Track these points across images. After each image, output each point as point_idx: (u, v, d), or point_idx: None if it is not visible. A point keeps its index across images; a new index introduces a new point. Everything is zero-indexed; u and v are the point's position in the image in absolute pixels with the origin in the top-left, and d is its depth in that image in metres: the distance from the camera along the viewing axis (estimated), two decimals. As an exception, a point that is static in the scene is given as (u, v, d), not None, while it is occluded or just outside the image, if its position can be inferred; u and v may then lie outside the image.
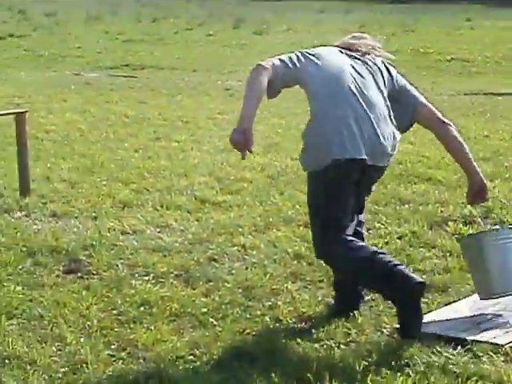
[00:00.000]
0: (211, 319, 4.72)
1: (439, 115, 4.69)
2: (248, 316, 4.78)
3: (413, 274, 4.44)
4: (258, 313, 4.83)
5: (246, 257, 5.86)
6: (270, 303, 4.99)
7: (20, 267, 5.60)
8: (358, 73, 4.55)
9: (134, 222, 6.67)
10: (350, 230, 4.52)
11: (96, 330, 4.54)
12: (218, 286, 5.22)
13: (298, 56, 4.59)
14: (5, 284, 5.28)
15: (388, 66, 4.77)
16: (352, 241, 4.46)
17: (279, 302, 4.99)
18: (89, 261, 5.74)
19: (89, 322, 4.65)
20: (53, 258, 5.79)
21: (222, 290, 5.15)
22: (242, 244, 6.11)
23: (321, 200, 4.49)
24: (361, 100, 4.43)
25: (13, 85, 16.79)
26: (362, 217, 4.78)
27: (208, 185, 7.99)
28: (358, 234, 4.65)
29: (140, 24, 38.44)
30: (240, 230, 6.46)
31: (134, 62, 22.24)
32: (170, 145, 10.10)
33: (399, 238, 6.29)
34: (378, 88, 4.56)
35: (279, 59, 4.54)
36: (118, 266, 5.64)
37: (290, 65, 4.53)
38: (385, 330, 4.56)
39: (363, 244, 4.60)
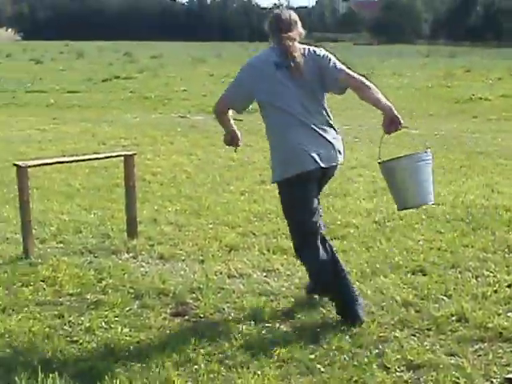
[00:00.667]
0: (318, 366, 4.75)
1: (358, 79, 5.31)
2: (355, 363, 4.79)
3: (360, 312, 5.43)
4: (366, 360, 4.84)
5: (353, 303, 5.86)
6: (377, 351, 4.99)
7: (127, 309, 5.75)
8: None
9: (240, 266, 6.77)
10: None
11: (203, 374, 4.63)
12: (325, 332, 5.25)
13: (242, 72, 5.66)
14: (112, 326, 5.43)
15: (315, 50, 5.44)
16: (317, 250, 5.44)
17: (387, 350, 4.99)
18: (196, 304, 5.86)
19: (196, 366, 4.74)
20: (160, 301, 5.93)
21: (329, 337, 5.17)
22: (349, 290, 6.11)
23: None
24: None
25: (119, 126, 17.27)
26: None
27: (314, 229, 8.02)
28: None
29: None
30: (347, 275, 6.47)
31: (239, 105, 22.54)
32: (275, 188, 10.16)
33: (508, 286, 6.21)
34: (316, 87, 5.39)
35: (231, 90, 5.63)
36: (224, 309, 5.73)
37: None
38: (494, 380, 4.50)
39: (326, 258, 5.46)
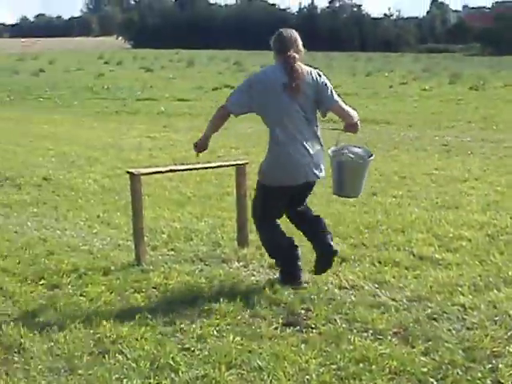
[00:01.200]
0: (431, 379, 4.74)
1: (346, 110, 6.35)
2: (468, 378, 4.76)
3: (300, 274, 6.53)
4: (479, 375, 4.80)
5: (465, 317, 5.81)
6: (491, 365, 4.94)
7: (239, 318, 5.84)
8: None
9: (351, 277, 6.78)
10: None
11: (315, 384, 4.68)
12: (438, 346, 5.22)
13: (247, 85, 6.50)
14: (224, 334, 5.52)
15: (315, 72, 6.29)
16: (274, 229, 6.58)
17: (500, 365, 4.93)
18: (307, 314, 5.91)
19: (308, 376, 4.79)
20: (271, 310, 5.99)
21: (442, 350, 5.14)
22: (462, 303, 6.06)
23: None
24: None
25: (230, 136, 17.46)
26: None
27: (426, 241, 7.97)
28: (306, 213, 6.69)
29: (354, 78, 38.99)
30: (459, 289, 6.41)
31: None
32: (386, 200, 10.14)
33: None
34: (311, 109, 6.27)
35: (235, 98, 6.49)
36: (336, 320, 5.76)
37: None
38: None
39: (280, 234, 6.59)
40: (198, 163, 7.94)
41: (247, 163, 8.10)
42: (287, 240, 6.65)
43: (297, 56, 6.15)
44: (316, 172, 6.36)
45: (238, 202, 7.90)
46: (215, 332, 5.55)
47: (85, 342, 5.37)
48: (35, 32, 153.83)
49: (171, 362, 5.03)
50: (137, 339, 5.40)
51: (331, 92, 6.24)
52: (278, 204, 6.53)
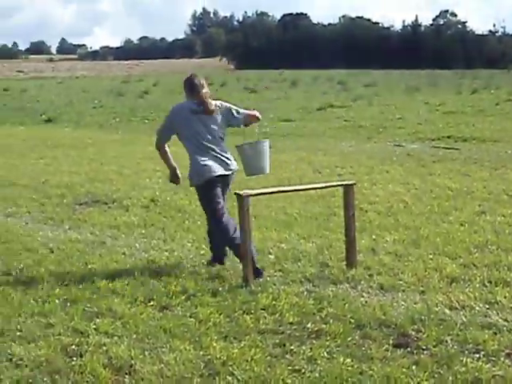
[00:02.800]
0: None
1: (250, 113, 8.29)
2: None
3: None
4: None
5: None
6: None
7: (349, 339, 5.83)
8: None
9: (462, 298, 6.69)
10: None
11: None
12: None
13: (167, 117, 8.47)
14: (334, 356, 5.52)
15: (222, 103, 8.21)
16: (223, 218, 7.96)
17: None
18: (418, 335, 5.85)
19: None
20: (381, 331, 5.96)
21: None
22: None
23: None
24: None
25: (334, 155, 17.50)
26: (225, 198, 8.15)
27: (538, 261, 7.83)
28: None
29: (460, 95, 38.47)
30: None
31: (456, 133, 22.22)
32: (495, 219, 9.98)
33: None
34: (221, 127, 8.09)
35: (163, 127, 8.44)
36: (447, 341, 5.69)
37: None
38: None
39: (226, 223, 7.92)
40: (302, 184, 7.96)
41: (355, 183, 8.08)
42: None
43: (206, 93, 8.08)
44: (229, 167, 8.09)
45: (347, 222, 7.89)
46: (325, 354, 5.55)
47: (195, 363, 5.44)
48: (139, 54, 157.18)
49: (282, 385, 5.05)
50: (247, 361, 5.44)
51: (236, 111, 8.22)
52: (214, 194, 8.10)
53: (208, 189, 7.97)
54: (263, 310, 6.59)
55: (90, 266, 8.09)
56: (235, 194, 7.52)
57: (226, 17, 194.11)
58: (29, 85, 63.04)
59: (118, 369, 5.39)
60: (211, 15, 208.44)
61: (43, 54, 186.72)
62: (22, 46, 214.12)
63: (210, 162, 7.94)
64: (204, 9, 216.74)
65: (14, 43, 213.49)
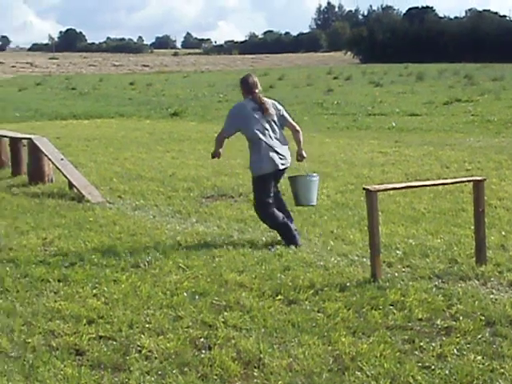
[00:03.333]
0: None
1: (296, 125, 9.26)
2: None
3: (296, 237, 8.87)
4: None
5: None
6: None
7: (479, 336, 5.74)
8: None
9: None
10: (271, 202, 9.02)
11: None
12: None
13: (232, 113, 9.48)
14: (464, 353, 5.45)
15: (275, 102, 9.22)
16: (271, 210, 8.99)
17: None
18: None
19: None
20: (513, 329, 5.86)
21: None
22: None
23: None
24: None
25: (462, 150, 17.20)
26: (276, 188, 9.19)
27: None
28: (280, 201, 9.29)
29: None
30: None
31: None
32: None
33: None
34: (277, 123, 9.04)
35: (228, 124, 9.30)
36: None
37: None
38: None
39: (276, 212, 8.99)
40: (429, 179, 7.87)
41: (485, 179, 7.93)
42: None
43: (259, 92, 9.12)
44: (285, 162, 9.08)
45: (476, 218, 7.75)
46: (455, 351, 5.49)
47: (323, 358, 5.46)
48: (263, 48, 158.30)
49: (411, 381, 5.02)
50: (376, 356, 5.42)
51: (285, 113, 9.23)
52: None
53: (264, 181, 8.99)
54: (391, 305, 6.55)
55: (217, 259, 8.21)
56: (364, 188, 7.50)
57: (350, 11, 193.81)
58: (154, 79, 64.49)
59: (247, 362, 5.45)
60: (336, 9, 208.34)
61: (168, 49, 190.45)
62: (148, 41, 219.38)
63: (268, 158, 8.89)
64: (329, 3, 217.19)
65: (140, 38, 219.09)
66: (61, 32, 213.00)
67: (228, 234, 9.44)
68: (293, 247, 8.66)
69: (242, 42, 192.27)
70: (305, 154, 9.32)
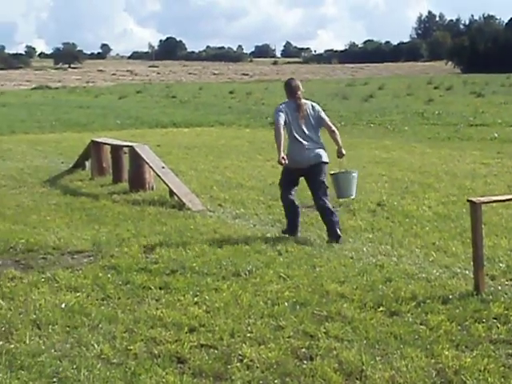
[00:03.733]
0: None
1: (332, 126, 10.11)
2: None
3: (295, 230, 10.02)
4: None
5: None
6: None
7: None
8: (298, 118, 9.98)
9: None
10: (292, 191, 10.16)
11: None
12: None
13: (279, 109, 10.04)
14: None
15: (314, 105, 10.20)
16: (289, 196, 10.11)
17: None
18: None
19: None
20: None
21: None
22: None
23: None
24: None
25: None
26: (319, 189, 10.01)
27: None
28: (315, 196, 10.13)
29: None
30: None
31: None
32: None
33: None
34: (312, 124, 10.01)
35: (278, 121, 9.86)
36: None
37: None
38: None
39: (293, 198, 10.12)
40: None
41: None
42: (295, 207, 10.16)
43: (301, 95, 10.07)
44: (319, 158, 9.96)
45: None
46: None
47: (426, 371, 5.40)
48: (363, 57, 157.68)
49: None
50: (480, 370, 5.34)
51: (323, 114, 10.19)
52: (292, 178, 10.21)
53: (290, 173, 10.09)
54: (495, 319, 6.45)
55: (317, 269, 8.20)
56: (468, 200, 7.39)
57: (452, 20, 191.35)
58: (253, 88, 64.85)
59: (349, 373, 5.43)
60: (437, 18, 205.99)
61: (268, 57, 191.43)
62: (247, 49, 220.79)
63: (297, 155, 9.91)
64: (430, 12, 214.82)
65: (239, 46, 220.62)
66: (161, 40, 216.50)
67: (328, 244, 9.42)
68: (394, 259, 8.59)
69: (341, 51, 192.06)
70: (344, 152, 10.08)
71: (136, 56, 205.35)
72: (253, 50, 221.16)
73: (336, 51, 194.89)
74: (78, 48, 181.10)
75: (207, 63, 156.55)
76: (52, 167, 17.98)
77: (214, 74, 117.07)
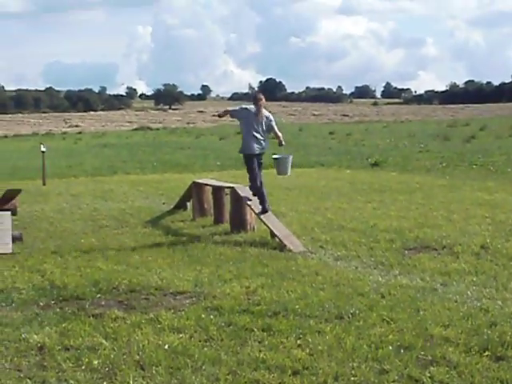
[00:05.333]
0: None
1: (277, 131, 13.98)
2: None
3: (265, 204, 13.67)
4: None
5: None
6: None
7: None
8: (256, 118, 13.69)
9: None
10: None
11: None
12: None
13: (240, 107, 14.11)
14: None
15: (268, 114, 13.83)
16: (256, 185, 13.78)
17: None
18: None
19: None
20: None
21: None
22: None
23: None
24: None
25: None
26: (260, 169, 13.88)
27: None
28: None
29: None
30: None
31: None
32: None
33: None
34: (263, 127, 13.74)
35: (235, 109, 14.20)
36: None
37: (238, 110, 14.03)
38: None
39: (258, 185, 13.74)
40: None
41: None
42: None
43: (262, 103, 13.65)
44: (263, 148, 13.78)
45: None
46: None
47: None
48: (464, 98, 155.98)
49: None
50: None
51: (273, 122, 13.87)
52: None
53: (250, 159, 13.81)
54: None
55: (421, 313, 8.13)
56: None
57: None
58: (354, 129, 64.87)
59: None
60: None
61: (367, 98, 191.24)
62: (347, 90, 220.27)
63: (253, 144, 13.65)
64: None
65: (339, 87, 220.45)
66: (261, 81, 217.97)
67: (432, 287, 9.34)
68: (499, 302, 8.46)
69: (442, 92, 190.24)
70: (283, 142, 14.19)
71: (236, 97, 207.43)
72: (353, 90, 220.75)
73: (437, 92, 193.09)
74: (179, 89, 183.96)
75: (307, 104, 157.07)
76: (153, 208, 18.33)
77: (314, 114, 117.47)
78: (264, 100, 13.81)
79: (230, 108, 14.58)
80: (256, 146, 13.60)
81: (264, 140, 13.70)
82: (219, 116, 14.36)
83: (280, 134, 14.01)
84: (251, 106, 13.70)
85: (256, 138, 13.56)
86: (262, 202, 13.64)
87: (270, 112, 14.34)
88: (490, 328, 7.45)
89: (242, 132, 13.96)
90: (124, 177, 28.58)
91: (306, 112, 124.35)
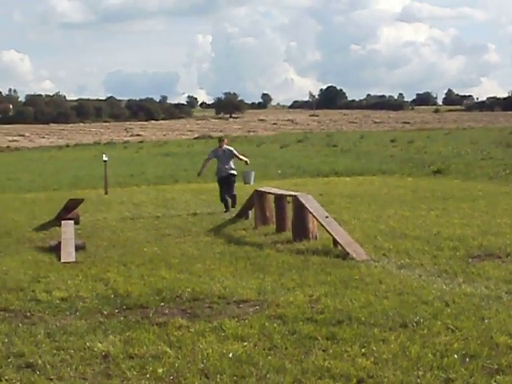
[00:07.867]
0: None
1: (239, 155, 20.73)
2: None
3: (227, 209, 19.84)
4: None
5: None
6: None
7: None
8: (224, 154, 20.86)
9: None
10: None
11: None
12: None
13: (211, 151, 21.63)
14: None
15: (229, 148, 20.89)
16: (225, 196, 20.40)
17: None
18: None
19: None
20: None
21: None
22: None
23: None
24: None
25: None
26: (231, 187, 20.59)
27: None
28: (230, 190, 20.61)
29: None
30: None
31: None
32: None
33: None
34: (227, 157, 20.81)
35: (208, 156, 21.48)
36: None
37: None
38: None
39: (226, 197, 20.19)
40: None
41: None
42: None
43: (224, 144, 20.70)
44: (231, 173, 20.40)
45: None
46: None
47: None
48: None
49: None
50: None
51: (234, 152, 20.48)
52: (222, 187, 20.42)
53: (220, 182, 20.17)
54: None
55: (486, 321, 8.04)
56: None
57: None
58: (415, 136, 64.46)
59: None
60: None
61: (429, 105, 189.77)
62: (408, 97, 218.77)
63: (221, 171, 20.13)
64: None
65: (400, 94, 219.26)
66: (321, 89, 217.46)
67: (497, 295, 9.24)
68: None
69: (504, 99, 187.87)
70: (248, 162, 20.82)
71: (296, 105, 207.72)
72: (414, 97, 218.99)
73: (499, 98, 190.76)
74: (239, 98, 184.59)
75: (368, 111, 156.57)
76: (215, 216, 18.45)
77: (375, 122, 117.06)
78: (226, 141, 21.00)
79: (205, 159, 21.14)
80: (223, 172, 20.20)
81: (229, 167, 20.23)
82: (198, 174, 21.72)
83: (242, 157, 20.51)
84: (218, 148, 20.57)
85: (224, 166, 20.19)
86: (226, 206, 19.66)
87: (233, 148, 20.92)
88: None
89: (218, 166, 20.72)
90: (186, 185, 28.84)
91: (367, 120, 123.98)
